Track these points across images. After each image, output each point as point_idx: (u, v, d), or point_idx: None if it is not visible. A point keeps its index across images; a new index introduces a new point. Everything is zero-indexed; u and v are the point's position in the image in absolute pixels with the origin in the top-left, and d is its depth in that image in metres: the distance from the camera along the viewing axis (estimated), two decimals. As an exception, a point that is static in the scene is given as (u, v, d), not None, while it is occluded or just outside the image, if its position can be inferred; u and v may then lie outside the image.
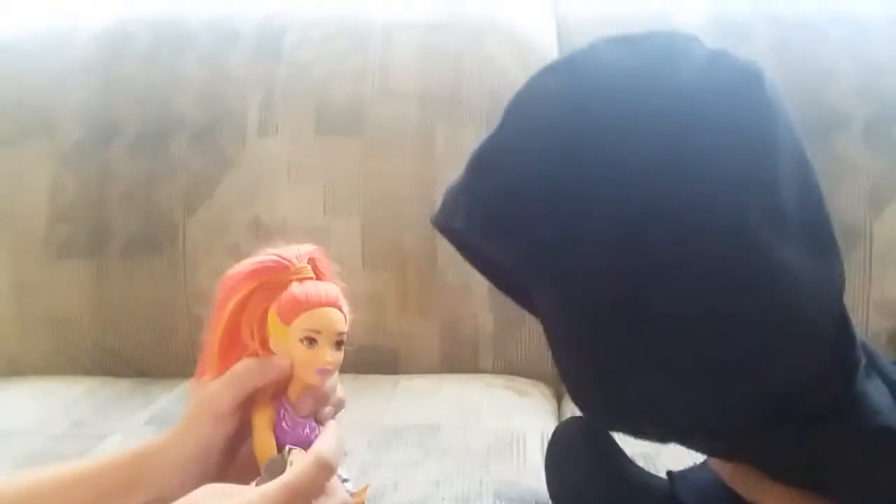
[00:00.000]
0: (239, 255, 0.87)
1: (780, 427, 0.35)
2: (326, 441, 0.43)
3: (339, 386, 0.49)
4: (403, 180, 0.88)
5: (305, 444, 0.44)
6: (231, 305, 0.46)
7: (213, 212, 0.89)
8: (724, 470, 0.41)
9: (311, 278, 0.47)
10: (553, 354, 0.37)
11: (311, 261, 0.48)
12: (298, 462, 0.42)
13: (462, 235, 0.38)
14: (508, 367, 0.86)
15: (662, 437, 0.38)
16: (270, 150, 0.89)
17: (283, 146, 0.89)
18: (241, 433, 0.46)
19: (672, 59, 0.32)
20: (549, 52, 0.92)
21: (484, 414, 0.73)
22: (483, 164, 0.36)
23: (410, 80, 0.90)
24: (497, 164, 0.35)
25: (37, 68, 0.94)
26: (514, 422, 0.72)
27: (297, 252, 0.48)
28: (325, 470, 0.40)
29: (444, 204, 0.39)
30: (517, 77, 0.97)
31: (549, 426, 0.72)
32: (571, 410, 0.76)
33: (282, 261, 0.47)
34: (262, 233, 0.88)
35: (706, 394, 0.32)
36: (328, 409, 0.48)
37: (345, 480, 0.46)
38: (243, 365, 0.45)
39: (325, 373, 0.46)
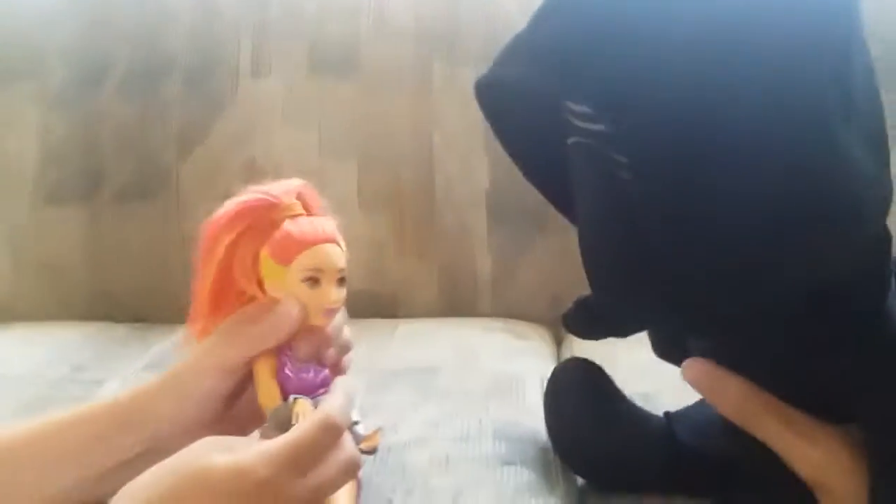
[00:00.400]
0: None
1: (818, 325, 0.33)
2: (335, 399, 0.40)
3: (346, 328, 0.48)
4: (400, 121, 0.86)
5: (311, 389, 0.43)
6: (220, 249, 0.44)
7: (207, 155, 0.87)
8: (727, 396, 0.39)
9: (303, 214, 0.45)
10: (585, 237, 0.35)
11: (300, 196, 0.46)
12: (304, 413, 0.40)
13: (517, 85, 0.35)
14: (507, 311, 0.85)
15: (679, 328, 0.36)
16: (264, 91, 0.87)
17: (277, 87, 0.87)
18: (242, 383, 0.44)
19: None
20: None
21: (483, 357, 0.73)
22: (549, 8, 0.33)
23: (406, 18, 0.88)
24: (566, 7, 0.32)
25: (23, 6, 0.91)
26: (512, 364, 0.72)
27: (284, 188, 0.45)
28: (333, 431, 0.38)
29: (496, 61, 0.36)
30: (516, 14, 0.95)
31: (547, 369, 0.72)
32: (570, 353, 0.76)
33: (269, 198, 0.44)
34: (257, 176, 0.86)
35: (753, 275, 0.31)
36: (332, 351, 0.46)
37: (356, 423, 0.45)
38: (258, 329, 0.43)
39: (331, 313, 0.44)
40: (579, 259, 0.88)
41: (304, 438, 0.36)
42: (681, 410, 0.51)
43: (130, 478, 0.37)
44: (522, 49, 0.34)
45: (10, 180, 0.88)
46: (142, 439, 0.42)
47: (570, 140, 0.35)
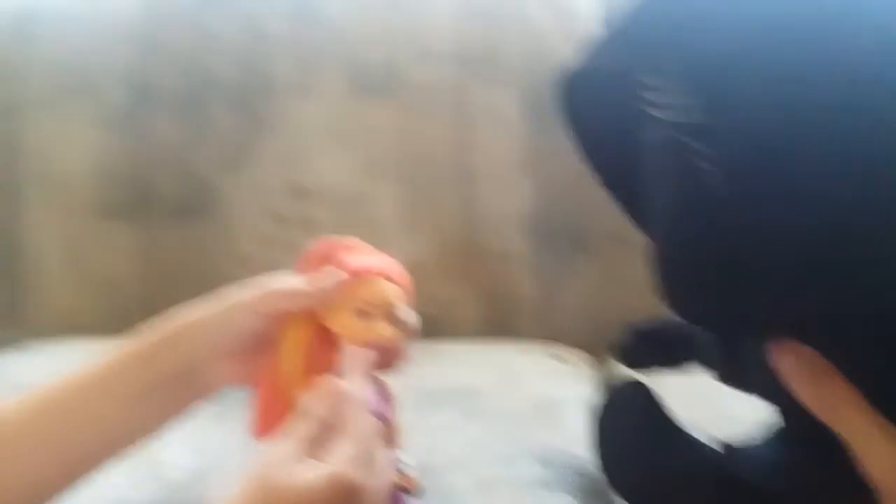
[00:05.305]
0: (280, 220, 0.89)
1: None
2: (355, 379, 0.41)
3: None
4: (440, 143, 0.87)
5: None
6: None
7: (253, 175, 0.89)
8: (814, 379, 0.37)
9: (360, 249, 0.46)
10: (660, 246, 0.35)
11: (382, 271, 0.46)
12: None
13: (600, 74, 0.35)
14: (548, 334, 0.86)
15: (758, 340, 0.36)
16: (307, 113, 0.89)
17: (320, 109, 0.89)
18: (271, 329, 0.46)
19: None
20: (590, 12, 0.90)
21: (523, 380, 0.73)
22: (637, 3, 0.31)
23: (445, 40, 0.89)
24: None
25: (82, 32, 0.95)
26: (553, 388, 0.72)
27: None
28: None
29: (576, 58, 0.36)
30: (556, 38, 0.96)
31: (588, 393, 0.72)
32: (610, 377, 0.76)
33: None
34: (303, 196, 0.88)
35: (834, 276, 0.30)
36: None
37: (407, 465, 0.46)
38: (293, 288, 0.46)
39: (374, 346, 0.43)
40: (621, 283, 0.88)
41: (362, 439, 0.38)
42: (740, 447, 0.50)
43: (166, 397, 0.44)
44: (606, 40, 0.34)
45: (68, 196, 0.91)
46: (182, 360, 0.45)
47: (649, 136, 0.35)
